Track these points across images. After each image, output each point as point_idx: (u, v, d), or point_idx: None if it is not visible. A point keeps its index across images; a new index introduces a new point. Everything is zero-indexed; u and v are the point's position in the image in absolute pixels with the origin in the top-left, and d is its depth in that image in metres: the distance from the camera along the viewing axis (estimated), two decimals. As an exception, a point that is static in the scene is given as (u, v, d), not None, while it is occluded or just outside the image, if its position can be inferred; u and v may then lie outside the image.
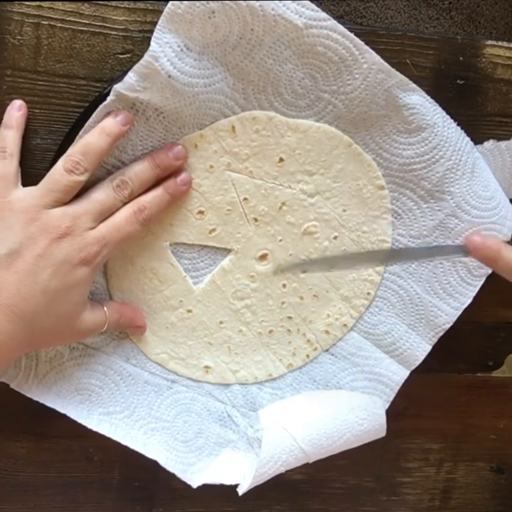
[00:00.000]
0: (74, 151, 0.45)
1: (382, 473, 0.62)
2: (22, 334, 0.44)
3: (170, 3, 0.44)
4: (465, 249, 0.47)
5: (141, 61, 0.45)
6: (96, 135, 0.45)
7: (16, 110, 0.47)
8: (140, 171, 0.47)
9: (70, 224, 0.44)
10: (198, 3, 0.44)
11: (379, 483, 0.62)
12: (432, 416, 0.61)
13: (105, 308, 0.49)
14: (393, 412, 0.54)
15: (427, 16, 0.68)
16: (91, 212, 0.45)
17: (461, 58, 0.53)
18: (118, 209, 0.47)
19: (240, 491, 0.52)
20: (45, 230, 0.44)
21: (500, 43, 0.54)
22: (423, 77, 0.52)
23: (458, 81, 0.54)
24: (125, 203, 0.47)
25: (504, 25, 0.69)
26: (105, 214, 0.46)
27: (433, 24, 0.68)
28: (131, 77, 0.45)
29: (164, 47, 0.45)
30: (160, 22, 0.44)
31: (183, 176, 0.49)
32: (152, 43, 0.44)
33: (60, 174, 0.45)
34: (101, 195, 0.46)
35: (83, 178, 0.45)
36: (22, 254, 0.43)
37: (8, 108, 0.47)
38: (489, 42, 0.53)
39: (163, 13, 0.44)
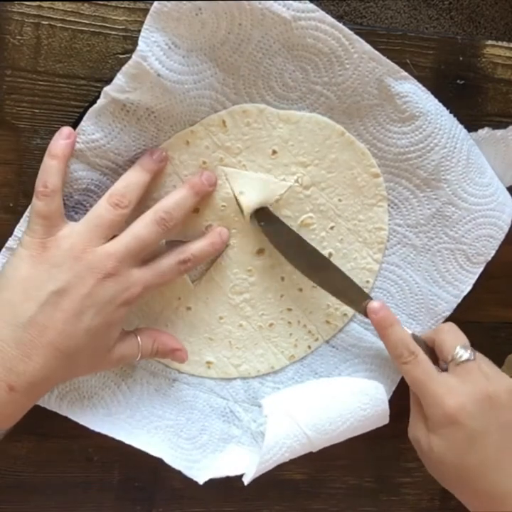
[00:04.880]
0: (116, 188, 0.46)
1: (382, 473, 0.62)
2: (62, 368, 0.45)
3: (156, 2, 0.44)
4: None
5: (130, 62, 0.45)
6: (136, 172, 0.47)
7: (64, 138, 0.46)
8: (181, 201, 0.48)
9: (115, 264, 0.45)
10: (184, 1, 0.45)
11: (379, 483, 0.62)
12: (432, 416, 0.61)
13: (138, 337, 0.50)
14: (393, 412, 0.54)
15: (427, 15, 0.68)
16: (134, 251, 0.46)
17: (461, 58, 0.53)
18: (162, 253, 0.48)
19: (246, 480, 0.52)
20: (91, 270, 0.44)
21: (500, 43, 0.54)
22: (423, 77, 0.52)
23: (458, 81, 0.54)
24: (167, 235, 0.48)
25: (504, 25, 0.69)
26: (148, 249, 0.47)
27: (433, 24, 0.68)
28: (120, 78, 0.45)
29: (152, 46, 0.45)
30: (147, 21, 0.44)
31: (225, 233, 0.51)
32: (140, 42, 0.45)
33: (105, 209, 0.45)
34: (143, 231, 0.46)
35: (127, 211, 0.46)
36: (69, 293, 0.43)
37: (56, 134, 0.46)
38: (489, 42, 0.53)
39: (150, 12, 0.44)
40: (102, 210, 0.46)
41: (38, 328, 0.43)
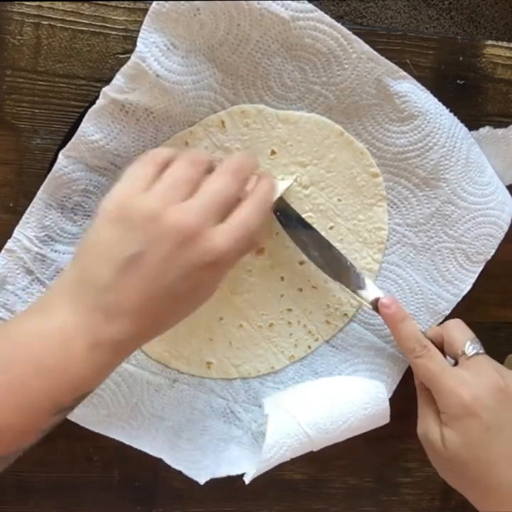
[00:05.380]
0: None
1: (382, 473, 0.62)
2: (148, 330, 0.43)
3: (154, 2, 0.44)
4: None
5: (128, 63, 0.45)
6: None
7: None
8: (247, 155, 0.47)
9: (193, 223, 0.41)
10: (182, 2, 0.45)
11: (379, 483, 0.62)
12: (432, 416, 0.61)
13: None
14: (393, 412, 0.54)
15: (427, 15, 0.68)
16: (213, 207, 0.42)
17: (461, 58, 0.53)
18: (239, 203, 0.44)
19: (246, 479, 0.52)
20: (168, 231, 0.41)
21: (500, 43, 0.54)
22: (423, 77, 0.52)
23: (458, 81, 0.54)
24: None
25: (504, 25, 0.69)
26: (228, 205, 0.43)
27: (433, 24, 0.68)
28: (119, 79, 0.45)
29: (151, 47, 0.45)
30: (145, 22, 0.45)
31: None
32: (138, 43, 0.45)
33: (180, 168, 0.43)
34: (219, 185, 0.43)
35: (203, 168, 0.43)
36: (147, 256, 0.41)
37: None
38: (489, 42, 0.53)
39: (148, 13, 0.44)
40: (176, 169, 0.43)
41: (118, 293, 0.41)
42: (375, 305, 0.52)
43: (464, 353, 0.50)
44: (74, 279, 0.42)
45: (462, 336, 0.51)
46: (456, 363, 0.51)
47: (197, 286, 0.43)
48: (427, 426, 0.51)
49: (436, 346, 0.52)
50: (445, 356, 0.52)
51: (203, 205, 0.42)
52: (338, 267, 0.52)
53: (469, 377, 0.49)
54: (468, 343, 0.51)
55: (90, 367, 0.41)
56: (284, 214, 0.51)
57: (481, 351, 0.50)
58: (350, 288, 0.52)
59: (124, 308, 0.41)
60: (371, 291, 0.52)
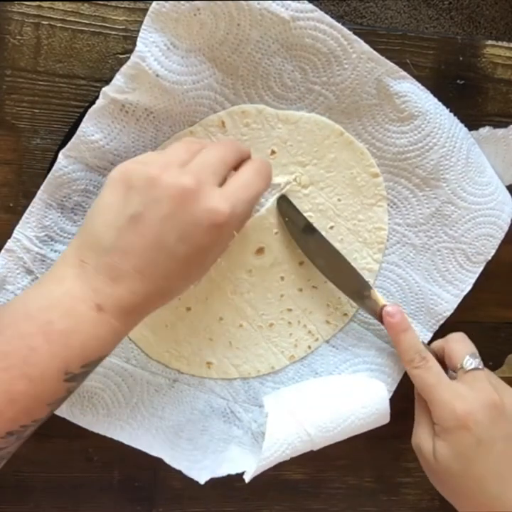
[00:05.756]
0: None
1: (382, 473, 0.62)
2: (154, 294, 0.43)
3: (154, 2, 0.44)
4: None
5: (128, 62, 0.45)
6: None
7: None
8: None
9: (193, 183, 0.41)
10: (182, 2, 0.45)
11: (379, 483, 0.62)
12: (432, 416, 0.61)
13: None
14: (393, 412, 0.54)
15: (427, 15, 0.68)
16: (213, 167, 0.43)
17: (461, 58, 0.53)
18: (239, 165, 0.46)
19: (246, 477, 0.52)
20: (168, 191, 0.41)
21: (500, 43, 0.54)
22: (423, 77, 0.52)
23: (458, 81, 0.54)
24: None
25: (504, 25, 0.69)
26: (226, 170, 0.44)
27: (433, 24, 0.68)
28: (119, 79, 0.45)
29: (150, 46, 0.45)
30: (145, 22, 0.45)
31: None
32: (138, 43, 0.45)
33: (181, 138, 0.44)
34: (218, 151, 0.44)
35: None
36: (146, 217, 0.41)
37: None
38: (489, 42, 0.53)
39: (148, 12, 0.44)
40: (177, 146, 0.45)
41: (119, 254, 0.41)
42: (379, 313, 0.52)
43: (462, 367, 0.50)
44: (78, 245, 0.42)
45: (462, 350, 0.51)
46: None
47: (199, 249, 0.43)
48: (421, 436, 0.51)
49: (439, 359, 0.52)
50: (447, 370, 0.52)
51: (200, 166, 0.43)
52: (344, 274, 0.53)
53: (465, 391, 0.49)
54: (468, 357, 0.51)
55: (98, 331, 0.41)
56: (292, 220, 0.52)
57: (479, 366, 0.51)
58: (355, 295, 0.53)
59: (127, 269, 0.41)
60: (375, 299, 0.52)
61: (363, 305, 0.53)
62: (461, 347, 0.52)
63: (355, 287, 0.53)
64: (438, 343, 0.54)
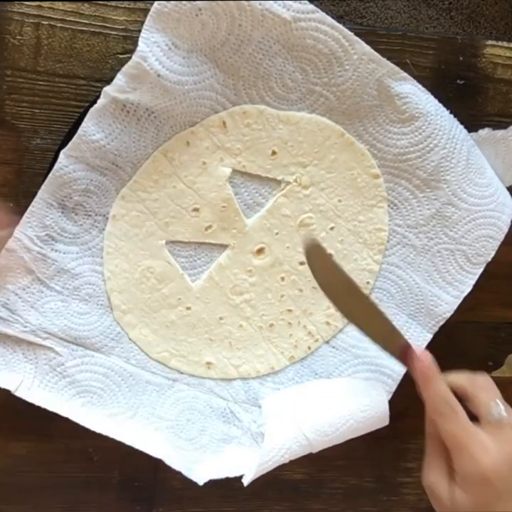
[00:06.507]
0: None
1: (382, 473, 0.62)
2: None
3: (156, 2, 0.44)
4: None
5: (130, 62, 0.45)
6: None
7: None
8: None
9: None
10: (184, 2, 0.45)
11: (379, 483, 0.62)
12: (432, 416, 0.61)
13: None
14: (393, 412, 0.54)
15: (427, 15, 0.68)
16: None
17: (461, 58, 0.53)
18: None
19: (245, 481, 0.52)
20: None
21: (500, 43, 0.54)
22: (423, 77, 0.52)
23: (458, 81, 0.54)
24: None
25: (504, 25, 0.69)
26: None
27: (433, 24, 0.68)
28: (120, 79, 0.45)
29: (152, 46, 0.45)
30: (147, 22, 0.45)
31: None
32: (140, 43, 0.45)
33: None
34: None
35: None
36: None
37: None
38: (489, 42, 0.53)
39: (150, 12, 0.44)
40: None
41: None
42: (401, 355, 0.50)
43: (487, 415, 0.49)
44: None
45: (488, 397, 0.50)
46: (475, 417, 0.50)
47: None
48: (436, 478, 0.51)
49: (458, 396, 0.51)
50: (467, 410, 0.50)
51: None
52: (372, 320, 0.50)
53: (490, 443, 0.48)
54: (493, 404, 0.49)
55: None
56: (319, 267, 0.49)
57: (505, 415, 0.49)
58: (380, 341, 0.50)
59: None
60: (404, 343, 0.50)
61: (387, 349, 0.51)
62: (486, 393, 0.50)
63: (383, 333, 0.50)
64: (460, 380, 0.52)
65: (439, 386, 0.50)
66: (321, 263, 0.50)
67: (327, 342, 0.56)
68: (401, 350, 0.50)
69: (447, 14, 0.68)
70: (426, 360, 0.50)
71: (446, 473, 0.50)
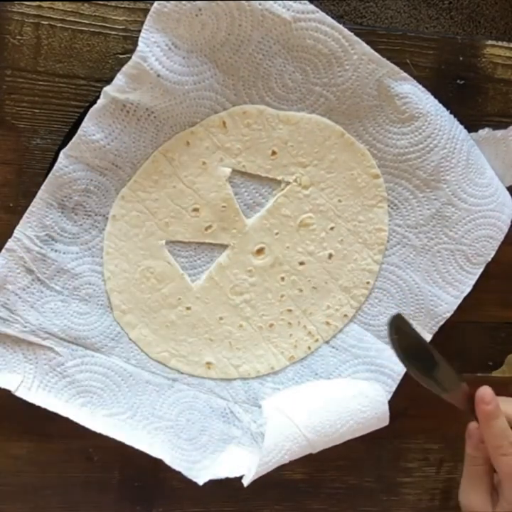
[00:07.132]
0: None
1: (382, 473, 0.62)
2: None
3: (156, 2, 0.44)
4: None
5: (130, 62, 0.45)
6: None
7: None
8: None
9: None
10: (184, 2, 0.45)
11: (379, 483, 0.62)
12: (432, 416, 0.61)
13: None
14: (393, 412, 0.54)
15: (427, 15, 0.68)
16: None
17: (461, 58, 0.53)
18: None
19: (245, 481, 0.52)
20: None
21: (500, 43, 0.54)
22: (423, 77, 0.52)
23: (458, 81, 0.54)
24: None
25: (504, 25, 0.69)
26: None
27: (433, 24, 0.68)
28: (120, 79, 0.45)
29: (152, 46, 0.45)
30: (147, 22, 0.45)
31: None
32: (139, 43, 0.45)
33: None
34: None
35: None
36: None
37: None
38: (489, 42, 0.53)
39: (150, 12, 0.44)
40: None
41: None
42: (464, 400, 0.50)
43: None
44: None
45: None
46: None
47: None
48: (477, 501, 0.51)
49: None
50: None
51: None
52: (438, 374, 0.50)
53: None
54: None
55: None
56: (399, 333, 0.49)
57: None
58: (443, 391, 0.50)
59: None
60: (465, 389, 0.50)
61: (447, 394, 0.50)
62: None
63: (447, 384, 0.50)
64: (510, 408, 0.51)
65: (500, 423, 0.50)
66: (406, 335, 0.49)
67: (327, 342, 0.56)
68: (466, 399, 0.50)
69: (447, 14, 0.68)
70: (492, 402, 0.50)
71: (489, 498, 0.51)
